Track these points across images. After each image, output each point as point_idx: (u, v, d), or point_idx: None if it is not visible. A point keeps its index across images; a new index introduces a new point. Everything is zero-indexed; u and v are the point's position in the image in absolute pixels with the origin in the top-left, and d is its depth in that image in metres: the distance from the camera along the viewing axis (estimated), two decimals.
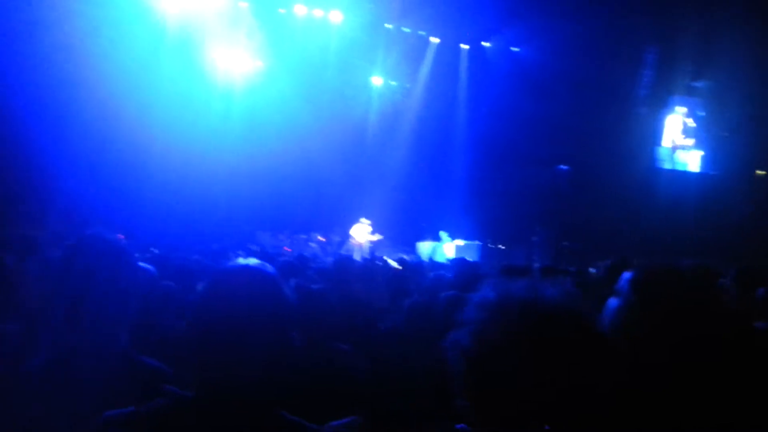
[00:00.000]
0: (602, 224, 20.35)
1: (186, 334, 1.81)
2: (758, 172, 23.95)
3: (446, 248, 20.54)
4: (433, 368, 3.23)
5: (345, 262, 6.31)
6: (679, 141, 24.80)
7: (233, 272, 1.94)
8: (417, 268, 10.62)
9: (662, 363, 2.20)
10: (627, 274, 2.52)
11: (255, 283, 1.90)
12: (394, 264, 12.88)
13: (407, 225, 23.22)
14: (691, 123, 24.90)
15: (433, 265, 13.01)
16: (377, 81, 23.71)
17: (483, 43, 24.18)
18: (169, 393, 1.84)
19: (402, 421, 2.16)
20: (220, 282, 1.91)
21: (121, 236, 2.61)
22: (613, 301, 2.51)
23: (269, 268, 2.00)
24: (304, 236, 22.06)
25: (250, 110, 20.78)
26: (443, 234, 21.17)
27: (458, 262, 9.96)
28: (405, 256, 17.57)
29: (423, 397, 2.65)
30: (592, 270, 7.12)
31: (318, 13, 21.62)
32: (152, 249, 9.96)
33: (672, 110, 24.75)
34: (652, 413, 2.10)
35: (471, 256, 17.26)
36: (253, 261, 2.01)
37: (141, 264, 3.66)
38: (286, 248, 20.34)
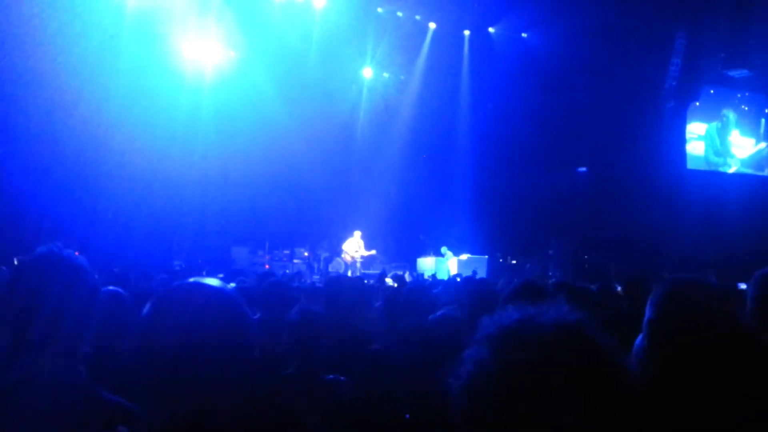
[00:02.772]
0: (627, 234, 20.38)
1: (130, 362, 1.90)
2: None
3: (450, 264, 20.73)
4: (424, 396, 3.33)
5: (336, 282, 6.35)
6: (714, 139, 24.62)
7: (183, 291, 1.91)
8: (417, 288, 10.56)
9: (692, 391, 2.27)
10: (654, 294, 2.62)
11: (208, 303, 1.87)
12: (390, 283, 13.13)
13: (405, 238, 23.57)
14: (729, 117, 24.75)
15: (435, 283, 12.97)
16: (367, 73, 23.60)
17: (488, 29, 24.05)
18: None
19: None
20: (167, 302, 1.87)
21: (77, 254, 2.53)
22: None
23: (226, 285, 1.98)
24: (286, 252, 22.31)
25: (222, 108, 20.48)
26: (445, 248, 21.27)
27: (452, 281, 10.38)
28: (403, 274, 17.80)
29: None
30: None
31: None
32: (113, 269, 9.91)
33: (705, 103, 24.57)
34: None
35: (478, 272, 17.59)
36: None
37: (110, 288, 3.70)
38: (266, 266, 20.53)
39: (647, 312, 2.55)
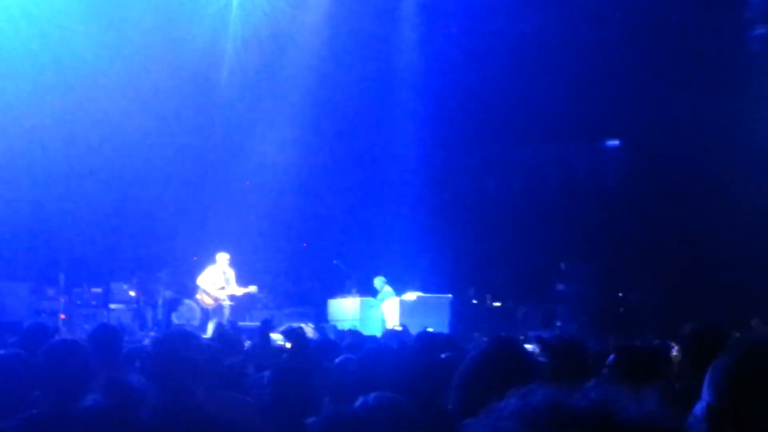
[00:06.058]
0: (691, 255, 18.05)
1: None
2: None
3: (387, 308, 18.51)
4: None
5: (179, 341, 5.01)
6: None
7: None
8: (328, 350, 8.98)
9: None
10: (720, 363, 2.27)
11: None
12: (279, 340, 11.16)
13: (307, 266, 21.04)
14: None
15: (357, 341, 10.45)
16: None
17: None
18: None
19: None
20: None
21: None
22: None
23: None
24: (97, 290, 19.33)
25: None
26: (380, 281, 19.00)
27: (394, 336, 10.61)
28: (306, 326, 14.64)
29: None
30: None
31: None
32: None
33: None
34: None
35: (437, 324, 16.23)
36: None
37: None
38: (62, 315, 18.05)
39: (706, 392, 2.26)
